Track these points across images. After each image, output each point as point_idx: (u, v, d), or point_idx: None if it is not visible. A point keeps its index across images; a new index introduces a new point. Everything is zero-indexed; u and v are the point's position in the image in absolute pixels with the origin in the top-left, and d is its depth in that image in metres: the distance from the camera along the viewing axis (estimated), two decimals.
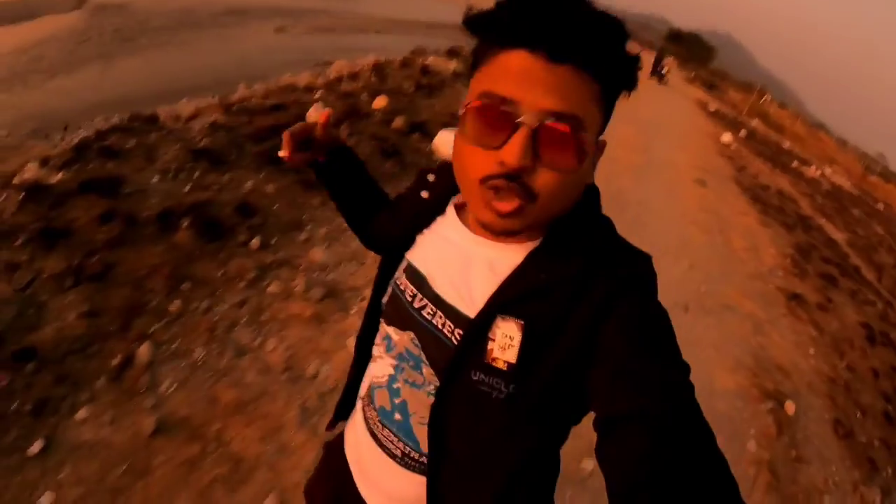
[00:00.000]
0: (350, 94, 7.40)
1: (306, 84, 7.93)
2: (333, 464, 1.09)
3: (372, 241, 1.15)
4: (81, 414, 2.43)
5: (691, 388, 0.67)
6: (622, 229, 0.83)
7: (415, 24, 24.34)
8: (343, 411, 1.11)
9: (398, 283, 0.91)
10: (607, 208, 0.85)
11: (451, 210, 0.90)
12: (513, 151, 0.66)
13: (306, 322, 3.33)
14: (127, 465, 2.26)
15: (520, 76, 0.67)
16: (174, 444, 2.39)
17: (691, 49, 70.59)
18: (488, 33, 0.71)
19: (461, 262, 0.83)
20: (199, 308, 3.20)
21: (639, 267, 0.77)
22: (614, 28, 0.67)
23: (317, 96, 7.13)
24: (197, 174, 4.32)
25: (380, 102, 7.09)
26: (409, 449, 0.88)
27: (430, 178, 0.96)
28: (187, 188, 4.10)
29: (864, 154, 62.23)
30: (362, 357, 1.03)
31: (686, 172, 10.21)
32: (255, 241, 3.84)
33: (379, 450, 0.92)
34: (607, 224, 0.81)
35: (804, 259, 7.89)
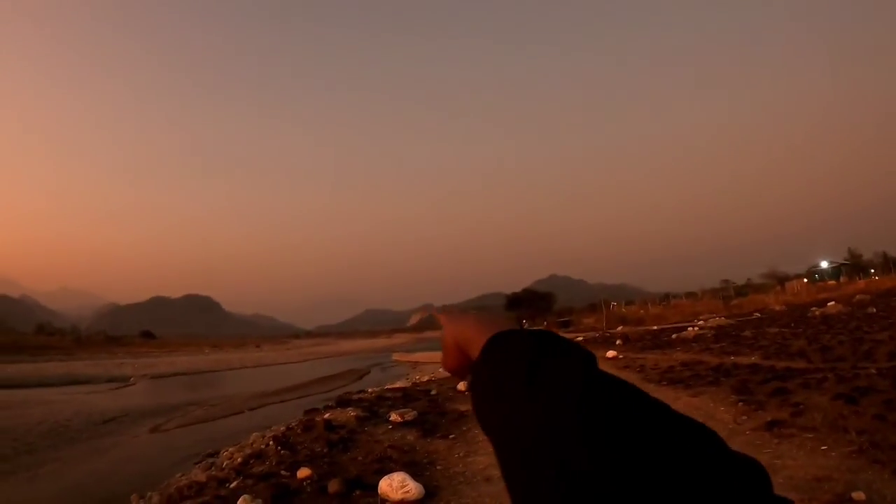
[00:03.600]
0: (268, 475, 7.22)
1: (207, 478, 7.89)
2: None
3: None
4: None
5: None
6: None
7: (282, 392, 25.20)
8: None
9: None
10: None
11: None
12: None
13: None
14: None
15: None
16: None
17: (533, 304, 78.36)
18: None
19: None
20: None
21: None
22: None
23: (233, 485, 7.16)
24: None
25: (303, 473, 6.88)
26: None
27: None
28: None
29: (715, 289, 62.85)
30: None
31: None
32: None
33: None
34: None
35: (748, 394, 9.62)
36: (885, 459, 5.60)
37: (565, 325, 57.43)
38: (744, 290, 59.80)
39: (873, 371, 10.19)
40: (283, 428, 10.83)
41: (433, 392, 13.53)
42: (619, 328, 37.79)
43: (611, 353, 19.67)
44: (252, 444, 10.74)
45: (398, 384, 18.20)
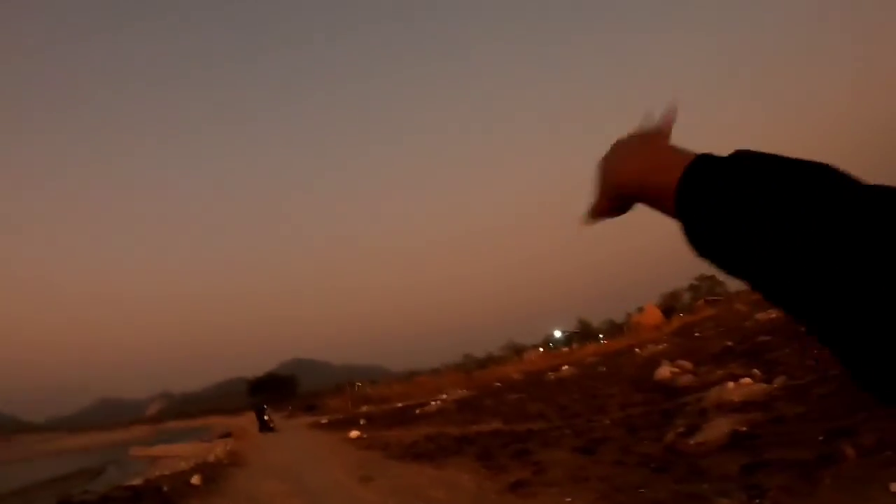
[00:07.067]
0: None
1: None
2: None
3: None
4: None
5: None
6: None
7: (4, 498, 24.14)
8: None
9: None
10: None
11: None
12: None
13: None
14: None
15: None
16: None
17: (277, 389, 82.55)
18: None
19: None
20: None
21: None
22: None
23: None
24: None
25: None
26: None
27: None
28: None
29: (458, 364, 71.49)
30: None
31: (349, 481, 10.82)
32: None
33: None
34: None
35: (491, 459, 9.88)
36: (628, 500, 5.79)
37: (310, 408, 57.78)
38: (485, 362, 63.81)
39: (607, 422, 10.93)
40: None
41: (165, 489, 13.06)
42: (364, 408, 38.30)
43: (354, 434, 19.71)
44: None
45: (135, 482, 16.83)
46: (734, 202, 0.57)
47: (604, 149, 0.76)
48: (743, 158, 0.60)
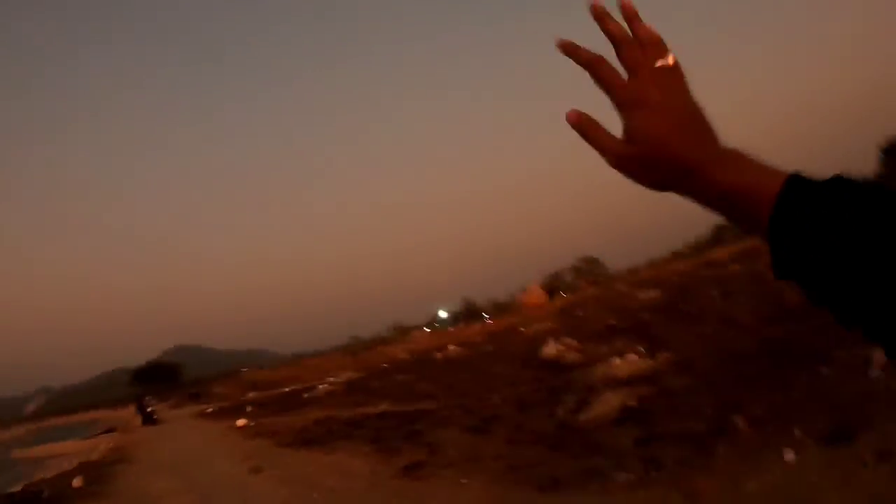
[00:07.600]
0: None
1: None
2: None
3: None
4: None
5: None
6: None
7: None
8: None
9: None
10: None
11: None
12: None
13: None
14: None
15: None
16: None
17: (161, 378, 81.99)
18: None
19: None
20: None
21: None
22: None
23: None
24: None
25: None
26: None
27: None
28: None
29: (345, 346, 69.92)
30: None
31: (239, 472, 10.54)
32: None
33: None
34: None
35: (383, 442, 9.85)
36: (525, 478, 5.77)
37: (195, 397, 56.11)
38: (371, 343, 63.95)
39: (497, 400, 11.03)
40: None
41: (45, 494, 12.79)
42: (251, 394, 37.62)
43: (241, 422, 19.37)
44: None
45: (14, 488, 16.30)
46: (835, 231, 0.55)
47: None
48: (842, 184, 0.58)
